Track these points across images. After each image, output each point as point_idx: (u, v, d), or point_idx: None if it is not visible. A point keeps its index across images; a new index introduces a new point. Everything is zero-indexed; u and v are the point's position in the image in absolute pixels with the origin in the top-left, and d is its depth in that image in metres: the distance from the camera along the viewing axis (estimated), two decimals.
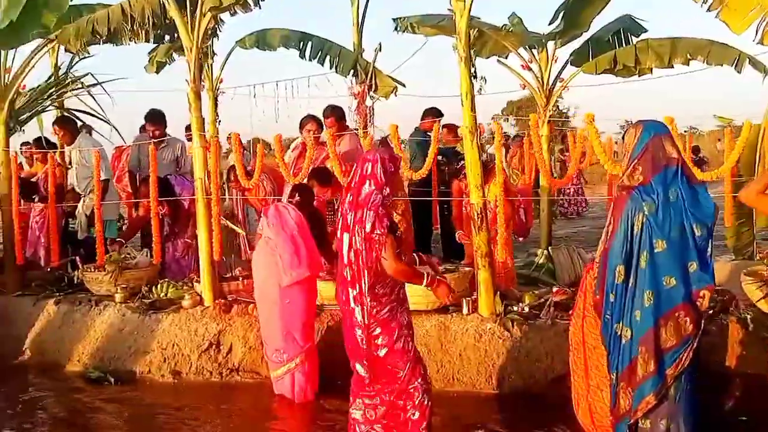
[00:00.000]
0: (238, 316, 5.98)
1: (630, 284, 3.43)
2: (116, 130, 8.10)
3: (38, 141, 8.37)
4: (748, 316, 4.82)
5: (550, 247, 7.37)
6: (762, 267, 5.16)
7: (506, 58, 8.43)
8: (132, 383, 5.84)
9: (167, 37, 7.87)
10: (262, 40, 9.17)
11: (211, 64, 6.62)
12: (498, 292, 5.54)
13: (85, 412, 5.36)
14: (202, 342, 5.88)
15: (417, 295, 5.48)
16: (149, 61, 9.93)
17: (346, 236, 3.70)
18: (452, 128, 9.43)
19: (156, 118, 7.89)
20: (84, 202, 7.93)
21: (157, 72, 9.97)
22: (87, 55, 7.69)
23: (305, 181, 6.14)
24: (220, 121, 9.83)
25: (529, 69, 8.04)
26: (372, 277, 3.64)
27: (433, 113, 9.35)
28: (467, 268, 5.89)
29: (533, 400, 5.02)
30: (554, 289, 5.78)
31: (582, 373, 4.16)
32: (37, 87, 7.33)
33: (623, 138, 3.65)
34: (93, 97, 7.47)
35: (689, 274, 3.33)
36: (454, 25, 6.16)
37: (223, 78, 9.72)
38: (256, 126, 10.36)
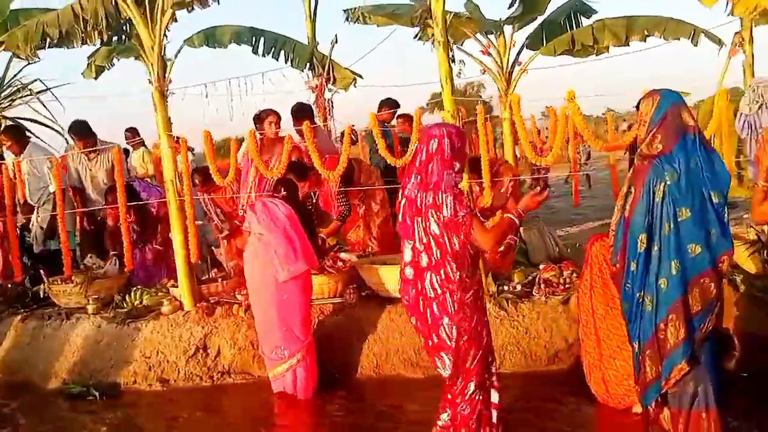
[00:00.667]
0: (222, 318, 5.82)
1: (653, 253, 3.44)
2: (66, 138, 7.74)
3: None
4: (738, 278, 4.95)
5: (521, 228, 7.41)
6: (743, 230, 5.31)
7: (462, 44, 8.47)
8: (117, 396, 5.59)
9: (116, 39, 7.58)
10: (211, 37, 8.99)
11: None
12: (489, 273, 5.53)
13: (72, 430, 5.11)
14: (188, 347, 5.69)
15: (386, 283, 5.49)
16: (87, 66, 9.59)
17: (417, 220, 3.47)
18: (407, 118, 9.40)
19: (82, 131, 7.50)
20: (38, 214, 7.60)
21: (96, 77, 9.64)
22: (36, 60, 7.33)
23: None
24: (171, 123, 9.65)
25: (489, 54, 8.08)
26: (457, 260, 3.45)
27: (390, 104, 9.30)
28: None
29: (536, 376, 5.04)
30: (541, 266, 5.81)
31: (593, 343, 4.21)
32: None
33: (637, 107, 3.66)
34: (43, 105, 7.12)
35: (711, 241, 3.36)
36: (416, 13, 6.19)
37: (171, 78, 9.58)
38: (210, 126, 10.14)
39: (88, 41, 6.70)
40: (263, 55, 8.83)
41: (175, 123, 9.16)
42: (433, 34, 7.99)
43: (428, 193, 3.42)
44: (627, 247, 3.57)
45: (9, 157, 7.61)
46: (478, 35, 8.13)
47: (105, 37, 6.70)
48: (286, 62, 8.80)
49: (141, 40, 6.14)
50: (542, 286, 5.47)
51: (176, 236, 6.04)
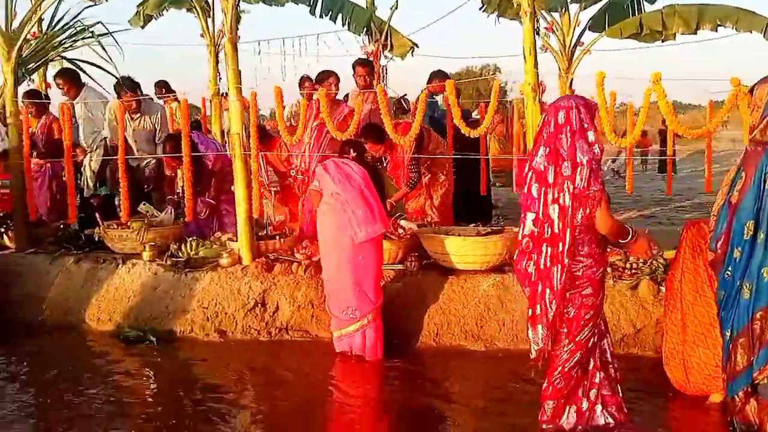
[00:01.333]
0: (281, 275, 5.81)
1: (759, 241, 3.41)
2: (125, 84, 7.67)
3: (31, 94, 7.88)
4: None
5: None
6: None
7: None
8: (173, 342, 5.61)
9: None
10: None
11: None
12: None
13: (131, 371, 5.13)
14: (246, 301, 5.69)
15: (469, 254, 5.47)
16: (136, 14, 9.51)
17: (544, 191, 3.39)
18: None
19: (133, 86, 7.44)
20: (90, 158, 7.56)
21: (143, 26, 9.56)
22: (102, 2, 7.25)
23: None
24: (221, 78, 9.58)
25: (553, 31, 7.97)
26: (573, 235, 3.39)
27: (441, 75, 9.19)
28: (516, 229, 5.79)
29: None
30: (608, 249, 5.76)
31: (678, 329, 4.18)
32: (44, 34, 6.85)
33: (751, 92, 3.61)
34: (104, 48, 7.03)
35: None
36: None
37: (224, 33, 9.47)
38: (261, 84, 10.08)
39: None
40: (321, 16, 8.73)
41: (225, 79, 9.14)
42: (498, 7, 7.97)
43: (565, 163, 3.36)
44: (731, 234, 3.53)
45: (60, 99, 7.54)
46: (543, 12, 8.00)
47: None
48: (343, 25, 8.70)
49: None
50: (608, 269, 5.41)
51: (239, 191, 6.01)
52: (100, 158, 7.43)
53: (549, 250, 3.42)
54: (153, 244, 6.28)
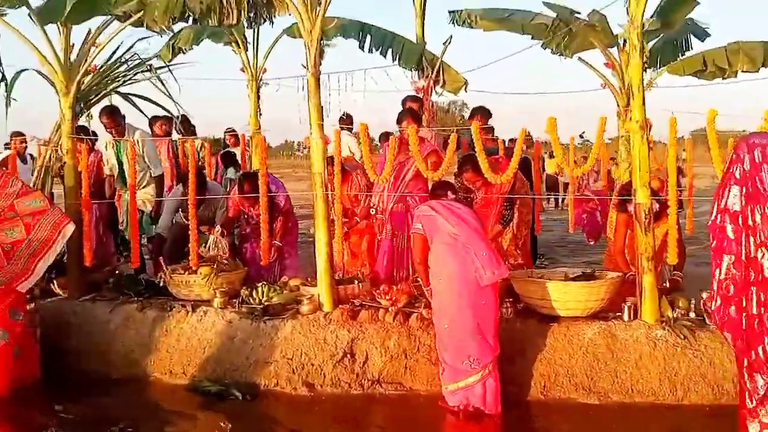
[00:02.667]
0: (368, 322, 5.48)
1: None
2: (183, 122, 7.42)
3: (79, 130, 7.55)
4: None
5: None
6: None
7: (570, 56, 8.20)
8: (258, 397, 5.24)
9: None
10: None
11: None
12: (663, 297, 5.26)
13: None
14: (334, 351, 5.35)
15: (572, 300, 5.21)
16: (166, 45, 9.27)
17: (747, 233, 3.24)
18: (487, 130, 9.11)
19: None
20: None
21: (171, 59, 9.33)
22: (169, 32, 6.96)
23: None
24: (261, 114, 9.32)
25: (613, 67, 7.84)
26: None
27: (482, 112, 9.02)
28: (614, 273, 5.54)
29: (725, 411, 4.75)
30: (703, 294, 5.53)
31: None
32: (103, 67, 6.54)
33: None
34: (162, 82, 6.73)
35: None
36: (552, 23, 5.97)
37: (266, 68, 9.25)
38: (304, 120, 9.83)
39: (225, 19, 6.35)
40: (370, 51, 8.53)
41: (265, 115, 8.89)
42: (561, 44, 7.82)
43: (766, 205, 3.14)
44: None
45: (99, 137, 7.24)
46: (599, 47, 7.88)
47: (244, 17, 6.36)
48: (393, 60, 8.49)
49: (300, 24, 5.73)
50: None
51: (320, 232, 5.70)
52: (150, 197, 7.10)
53: (761, 295, 3.17)
54: (223, 290, 5.93)
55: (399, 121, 6.51)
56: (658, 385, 4.92)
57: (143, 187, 7.12)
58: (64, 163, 6.34)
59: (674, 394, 4.89)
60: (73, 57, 6.36)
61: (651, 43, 8.28)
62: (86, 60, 6.32)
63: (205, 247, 6.54)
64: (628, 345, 5.06)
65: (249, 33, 9.20)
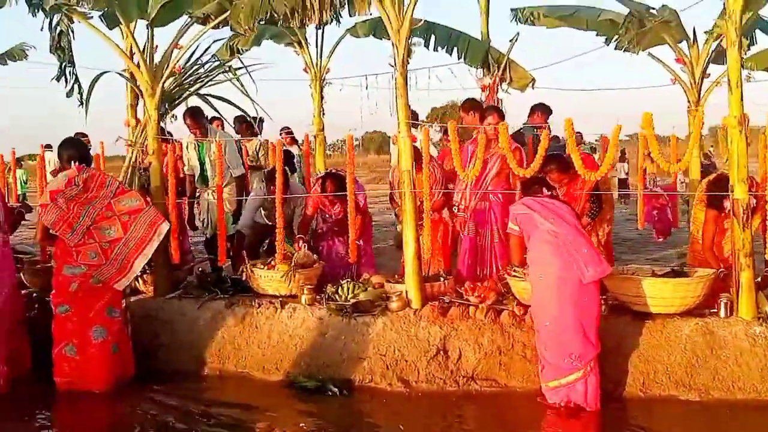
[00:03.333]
0: (459, 319, 5.50)
1: None
2: (253, 121, 7.49)
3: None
4: None
5: None
6: None
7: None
8: (354, 392, 5.29)
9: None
10: (378, 28, 8.72)
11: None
12: (759, 293, 5.23)
13: (308, 425, 4.83)
14: (428, 348, 5.38)
15: (668, 297, 5.18)
16: (224, 46, 9.35)
17: None
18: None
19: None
20: (214, 196, 7.30)
21: (229, 60, 9.41)
22: (251, 34, 7.07)
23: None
24: (324, 113, 9.38)
25: (684, 63, 7.79)
26: None
27: (542, 109, 9.01)
28: (708, 270, 5.50)
29: None
30: None
31: None
32: (187, 67, 6.63)
33: None
34: (242, 84, 6.82)
35: None
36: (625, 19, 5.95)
37: (330, 68, 9.30)
38: (367, 119, 9.93)
39: (307, 21, 6.41)
40: (435, 50, 8.55)
41: (331, 114, 8.95)
42: (633, 40, 7.77)
43: None
44: None
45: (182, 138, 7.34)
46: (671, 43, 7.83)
47: (329, 18, 6.41)
48: (459, 58, 8.51)
49: (386, 21, 5.76)
50: None
51: (408, 230, 5.74)
52: (231, 197, 7.20)
53: None
54: (310, 287, 6.00)
55: (483, 118, 6.53)
56: (759, 382, 4.89)
57: (224, 186, 7.20)
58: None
59: None
60: (156, 59, 6.45)
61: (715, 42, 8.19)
62: (170, 61, 6.41)
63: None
64: (726, 341, 5.04)
65: (310, 33, 9.26)
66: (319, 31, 9.07)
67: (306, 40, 9.22)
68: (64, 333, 5.36)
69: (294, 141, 10.73)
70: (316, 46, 9.18)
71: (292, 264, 6.20)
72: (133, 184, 6.42)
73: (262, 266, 6.33)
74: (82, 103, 8.06)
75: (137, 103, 8.27)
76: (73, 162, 5.36)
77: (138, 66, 6.31)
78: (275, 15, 6.15)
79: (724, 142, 5.53)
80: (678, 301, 5.23)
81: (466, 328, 5.44)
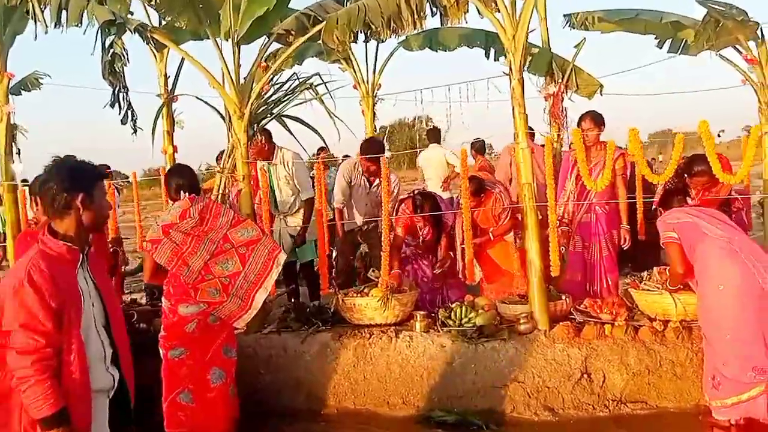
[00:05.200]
0: (597, 339, 5.20)
1: None
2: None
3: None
4: None
5: None
6: None
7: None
8: (500, 425, 4.95)
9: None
10: (434, 39, 8.45)
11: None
12: None
13: None
14: (570, 371, 5.07)
15: None
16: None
17: None
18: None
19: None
20: (286, 221, 6.94)
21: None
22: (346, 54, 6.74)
23: None
24: (377, 130, 9.04)
25: (757, 63, 7.64)
26: None
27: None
28: None
29: None
30: None
31: None
32: (274, 87, 6.26)
33: None
34: (323, 103, 6.47)
35: None
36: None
37: (381, 83, 8.99)
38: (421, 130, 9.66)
39: (400, 31, 6.12)
40: (496, 59, 8.30)
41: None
42: (707, 40, 7.59)
43: None
44: None
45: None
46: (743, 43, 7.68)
47: (421, 27, 6.12)
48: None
49: (501, 32, 5.49)
50: None
51: (532, 246, 5.43)
52: (297, 222, 6.85)
53: None
54: (423, 314, 5.65)
55: (578, 124, 6.29)
56: None
57: (295, 212, 6.85)
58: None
59: None
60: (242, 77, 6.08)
61: None
62: (254, 81, 6.04)
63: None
64: None
65: (357, 48, 8.93)
66: (369, 46, 8.74)
67: (354, 55, 8.90)
68: (178, 379, 4.91)
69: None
70: (366, 62, 8.85)
71: (387, 290, 5.82)
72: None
73: (355, 294, 5.96)
74: (135, 131, 7.68)
75: (173, 129, 7.96)
76: (182, 192, 4.95)
77: (223, 86, 5.91)
78: (372, 26, 5.86)
79: None
80: None
81: (607, 348, 5.14)
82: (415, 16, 5.85)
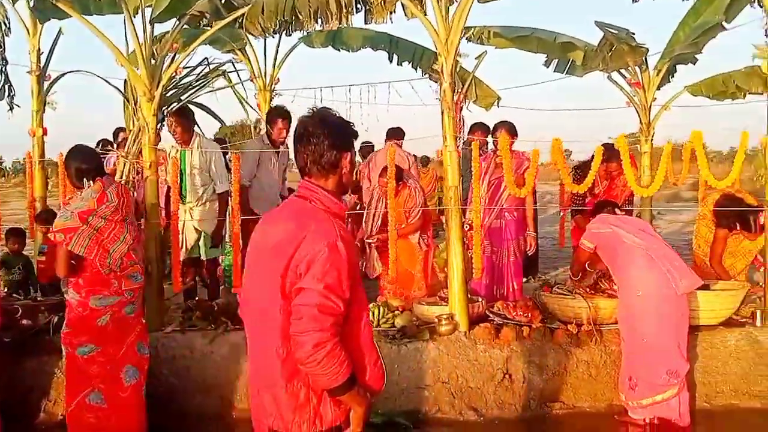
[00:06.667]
0: (515, 340, 5.31)
1: None
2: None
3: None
4: None
5: None
6: None
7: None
8: (427, 425, 4.91)
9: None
10: (338, 38, 8.36)
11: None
12: None
13: None
14: (492, 372, 5.13)
15: (716, 309, 5.40)
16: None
17: None
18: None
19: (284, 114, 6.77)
20: (191, 214, 6.50)
21: None
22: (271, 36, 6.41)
23: None
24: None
25: (640, 86, 8.20)
26: None
27: (482, 128, 9.12)
28: (738, 283, 5.76)
29: None
30: None
31: None
32: (189, 69, 5.88)
33: None
34: (237, 93, 6.18)
35: None
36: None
37: (279, 78, 8.78)
38: None
39: (326, 23, 5.97)
40: (399, 64, 8.33)
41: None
42: (602, 61, 8.04)
43: None
44: None
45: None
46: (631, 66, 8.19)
47: (347, 22, 6.00)
48: (424, 74, 8.34)
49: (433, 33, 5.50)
50: None
51: (455, 247, 5.46)
52: (211, 217, 6.46)
53: None
54: None
55: (493, 133, 6.43)
56: None
57: (202, 204, 6.44)
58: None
59: None
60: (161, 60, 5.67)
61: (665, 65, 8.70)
62: (163, 62, 5.65)
63: None
64: None
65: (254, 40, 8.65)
66: (269, 40, 8.46)
67: (252, 47, 8.59)
68: (87, 378, 4.46)
69: None
70: (264, 55, 8.57)
71: None
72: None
73: None
74: (12, 108, 6.97)
75: (44, 109, 7.33)
76: (87, 179, 4.46)
77: (132, 65, 5.48)
78: (299, 16, 5.67)
79: (763, 159, 5.85)
80: (721, 312, 5.42)
81: (527, 350, 5.25)
82: (343, 11, 5.74)
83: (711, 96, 8.43)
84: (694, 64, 8.45)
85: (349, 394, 2.36)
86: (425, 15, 5.67)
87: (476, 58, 8.44)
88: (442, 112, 5.57)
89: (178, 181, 6.16)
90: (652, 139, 8.32)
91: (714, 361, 5.26)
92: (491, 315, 5.58)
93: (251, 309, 2.52)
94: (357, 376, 2.38)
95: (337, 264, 2.32)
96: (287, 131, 6.68)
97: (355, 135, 2.63)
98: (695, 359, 5.23)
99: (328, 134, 2.44)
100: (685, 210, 14.68)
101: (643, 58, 8.20)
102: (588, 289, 5.53)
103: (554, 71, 8.68)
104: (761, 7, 8.41)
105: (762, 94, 8.21)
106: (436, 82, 8.35)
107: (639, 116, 8.26)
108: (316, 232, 2.34)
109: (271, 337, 2.40)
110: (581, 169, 6.47)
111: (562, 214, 7.65)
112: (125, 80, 5.97)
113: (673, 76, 8.69)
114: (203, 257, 6.52)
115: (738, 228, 5.89)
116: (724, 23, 7.25)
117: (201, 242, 6.45)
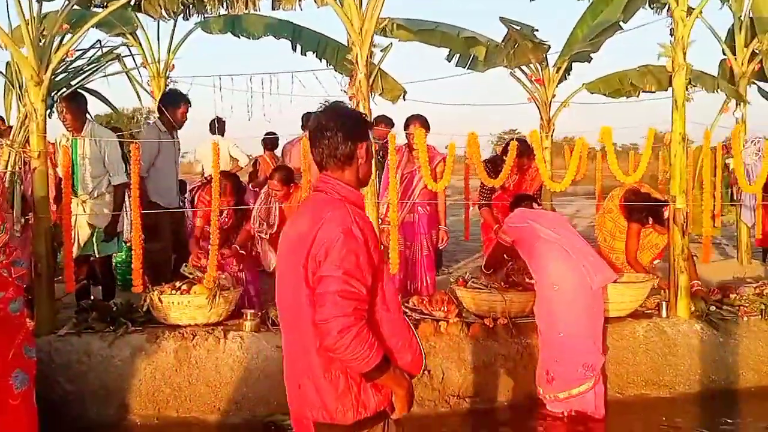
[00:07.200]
0: (432, 335, 5.22)
1: None
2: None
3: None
4: None
5: None
6: None
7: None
8: None
9: None
10: (238, 25, 8.05)
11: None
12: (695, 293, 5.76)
13: None
14: None
15: (626, 301, 5.53)
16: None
17: None
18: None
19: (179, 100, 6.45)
20: (84, 208, 6.03)
21: None
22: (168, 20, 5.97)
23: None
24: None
25: (542, 83, 8.34)
26: None
27: (385, 121, 9.08)
28: (645, 276, 5.90)
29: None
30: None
31: None
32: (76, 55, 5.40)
33: None
34: (131, 77, 5.75)
35: None
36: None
37: (174, 64, 8.38)
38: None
39: (240, 9, 5.68)
40: (303, 54, 8.09)
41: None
42: (506, 57, 8.12)
43: None
44: None
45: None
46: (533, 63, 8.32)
47: (254, 7, 5.72)
48: (328, 65, 8.14)
49: None
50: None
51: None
52: (105, 209, 6.00)
53: None
54: (252, 312, 5.27)
55: (406, 127, 6.32)
56: (713, 372, 5.38)
57: (96, 197, 5.98)
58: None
59: (726, 380, 5.41)
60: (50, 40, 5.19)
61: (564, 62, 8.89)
62: (53, 43, 5.19)
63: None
64: (678, 339, 5.46)
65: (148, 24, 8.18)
66: (163, 24, 8.01)
67: (145, 31, 8.11)
68: None
69: None
70: (158, 40, 8.11)
71: (216, 286, 5.35)
72: (15, 193, 5.05)
73: (174, 291, 5.37)
74: None
75: None
76: None
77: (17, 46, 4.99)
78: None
79: (666, 156, 6.01)
80: (629, 305, 5.55)
81: (445, 345, 5.18)
82: None
83: (607, 93, 8.72)
84: (589, 62, 8.71)
85: (386, 376, 2.34)
86: (338, 2, 5.44)
87: (382, 51, 8.34)
88: (358, 103, 5.36)
89: (71, 173, 5.68)
90: (552, 135, 8.58)
91: (624, 352, 5.36)
92: (408, 311, 5.46)
93: (283, 303, 2.54)
94: (392, 359, 2.37)
95: (354, 249, 2.32)
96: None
97: (370, 125, 2.67)
98: (606, 351, 5.32)
99: (341, 126, 2.46)
100: (578, 203, 15.23)
101: (544, 55, 8.37)
102: (502, 283, 5.53)
103: (456, 66, 8.72)
104: (652, 8, 8.81)
105: (654, 92, 8.61)
106: (341, 74, 8.20)
107: (540, 112, 8.44)
108: (331, 220, 2.36)
109: (304, 328, 2.41)
110: (492, 163, 6.46)
111: (465, 207, 7.68)
112: (7, 62, 5.45)
113: (569, 74, 8.93)
114: (96, 254, 6.04)
115: (650, 222, 6.02)
116: (621, 23, 7.49)
117: (94, 238, 5.97)
